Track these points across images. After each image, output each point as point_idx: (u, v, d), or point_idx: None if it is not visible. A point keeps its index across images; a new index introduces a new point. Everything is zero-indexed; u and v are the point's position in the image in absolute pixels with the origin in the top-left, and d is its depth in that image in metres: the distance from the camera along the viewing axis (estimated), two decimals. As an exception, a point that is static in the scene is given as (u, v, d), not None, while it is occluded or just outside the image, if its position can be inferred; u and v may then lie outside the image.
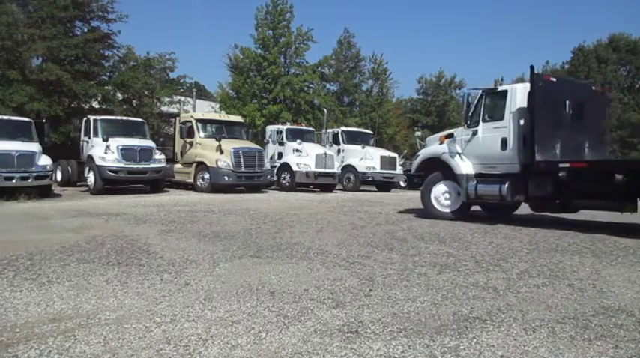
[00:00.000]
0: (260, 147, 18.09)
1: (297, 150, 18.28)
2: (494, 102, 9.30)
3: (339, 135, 21.22)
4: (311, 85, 32.39)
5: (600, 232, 7.87)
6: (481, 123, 9.35)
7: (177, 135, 17.91)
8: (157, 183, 15.93)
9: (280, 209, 11.25)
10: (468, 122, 9.54)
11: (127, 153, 14.72)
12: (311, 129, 22.46)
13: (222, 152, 15.91)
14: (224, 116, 20.80)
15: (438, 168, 9.95)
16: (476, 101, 9.50)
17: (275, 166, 18.65)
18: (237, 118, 20.25)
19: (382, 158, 19.99)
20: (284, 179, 18.40)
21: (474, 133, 9.39)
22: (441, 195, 9.84)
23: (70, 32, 23.03)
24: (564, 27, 79.11)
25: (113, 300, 4.03)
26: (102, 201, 12.61)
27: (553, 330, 3.36)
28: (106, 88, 23.40)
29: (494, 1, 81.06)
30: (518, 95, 8.87)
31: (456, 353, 2.98)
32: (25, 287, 4.40)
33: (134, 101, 24.31)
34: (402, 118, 41.24)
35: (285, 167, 18.34)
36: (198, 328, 3.39)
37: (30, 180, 12.67)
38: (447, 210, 9.75)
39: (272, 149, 19.80)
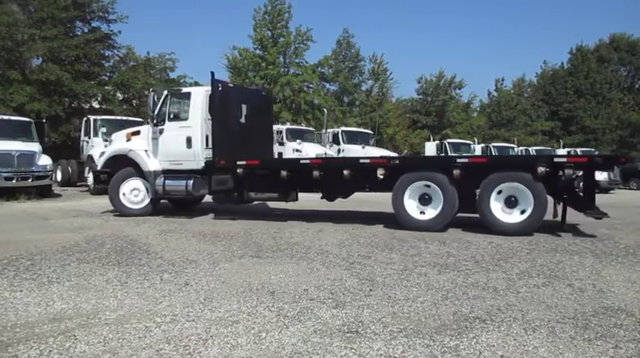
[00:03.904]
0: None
1: (297, 150, 18.26)
2: (179, 102, 9.59)
3: (339, 135, 21.21)
4: (311, 85, 32.36)
5: (600, 232, 7.85)
6: (167, 122, 9.47)
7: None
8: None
9: (280, 208, 11.24)
10: (155, 121, 9.60)
11: (127, 153, 14.70)
12: (311, 129, 22.43)
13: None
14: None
15: (127, 166, 9.86)
16: (162, 101, 9.59)
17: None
18: None
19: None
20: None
21: (161, 131, 9.51)
22: (129, 192, 9.80)
23: (71, 32, 23.08)
24: (564, 27, 79.14)
25: (113, 300, 4.03)
26: (102, 201, 12.61)
27: (553, 330, 3.36)
28: (106, 87, 23.45)
29: (493, 2, 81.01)
30: (201, 97, 9.25)
31: (456, 353, 2.98)
32: (25, 287, 4.41)
33: (134, 101, 24.35)
34: (402, 118, 41.19)
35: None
36: (198, 328, 3.39)
37: (30, 180, 12.69)
38: (137, 207, 9.77)
39: (271, 149, 19.79)
